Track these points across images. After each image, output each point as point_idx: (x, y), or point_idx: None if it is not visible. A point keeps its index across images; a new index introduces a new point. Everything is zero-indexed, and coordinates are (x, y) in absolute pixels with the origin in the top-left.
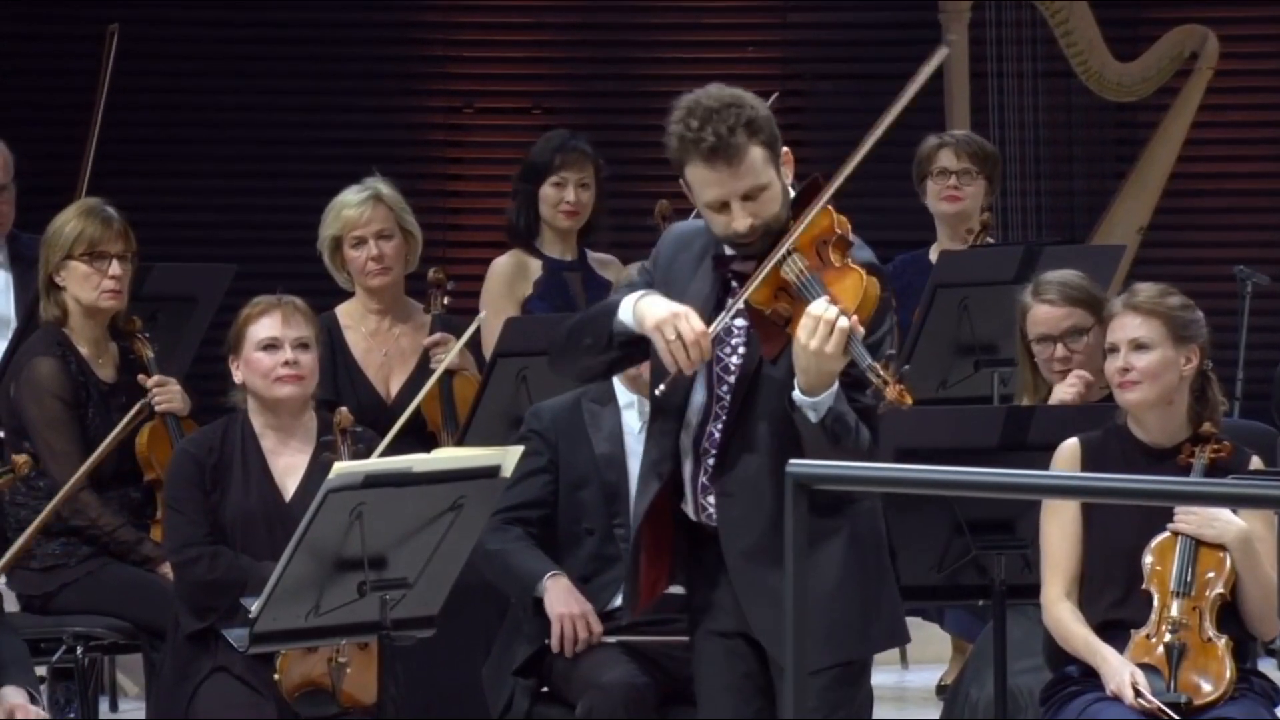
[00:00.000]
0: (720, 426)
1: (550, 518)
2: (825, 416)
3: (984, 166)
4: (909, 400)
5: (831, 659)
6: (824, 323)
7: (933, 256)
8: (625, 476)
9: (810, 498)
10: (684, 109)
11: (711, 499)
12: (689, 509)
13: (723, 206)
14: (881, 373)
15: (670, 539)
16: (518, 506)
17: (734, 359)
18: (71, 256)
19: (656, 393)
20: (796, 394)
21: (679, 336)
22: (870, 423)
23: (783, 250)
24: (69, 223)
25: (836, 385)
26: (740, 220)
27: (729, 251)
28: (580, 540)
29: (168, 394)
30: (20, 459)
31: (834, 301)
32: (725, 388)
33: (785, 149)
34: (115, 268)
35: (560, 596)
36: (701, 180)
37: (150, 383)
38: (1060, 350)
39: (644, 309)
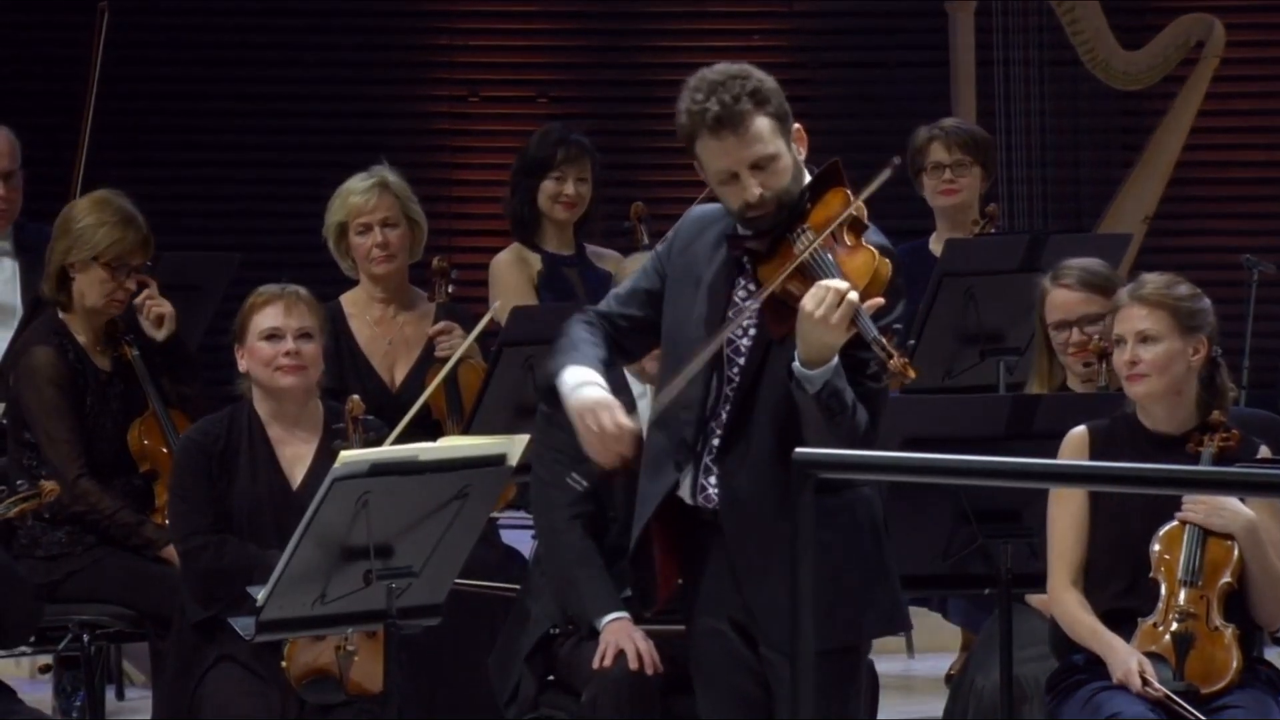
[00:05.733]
0: (728, 408)
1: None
2: (822, 390)
3: (977, 154)
4: (912, 373)
5: (822, 643)
6: (833, 292)
7: (932, 247)
8: None
9: (817, 484)
10: (690, 86)
11: (713, 479)
12: (685, 491)
13: (732, 178)
14: (886, 345)
15: (678, 531)
16: (580, 500)
17: (745, 340)
18: (99, 260)
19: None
20: (795, 365)
21: (601, 428)
22: (871, 407)
23: (801, 239)
24: (104, 225)
25: (836, 360)
26: (750, 189)
27: (742, 231)
28: (604, 529)
29: (159, 305)
30: (48, 485)
31: (845, 278)
32: (735, 369)
33: (797, 125)
34: (132, 282)
35: (623, 631)
36: (710, 152)
37: (142, 296)
38: (1076, 335)
39: (571, 395)
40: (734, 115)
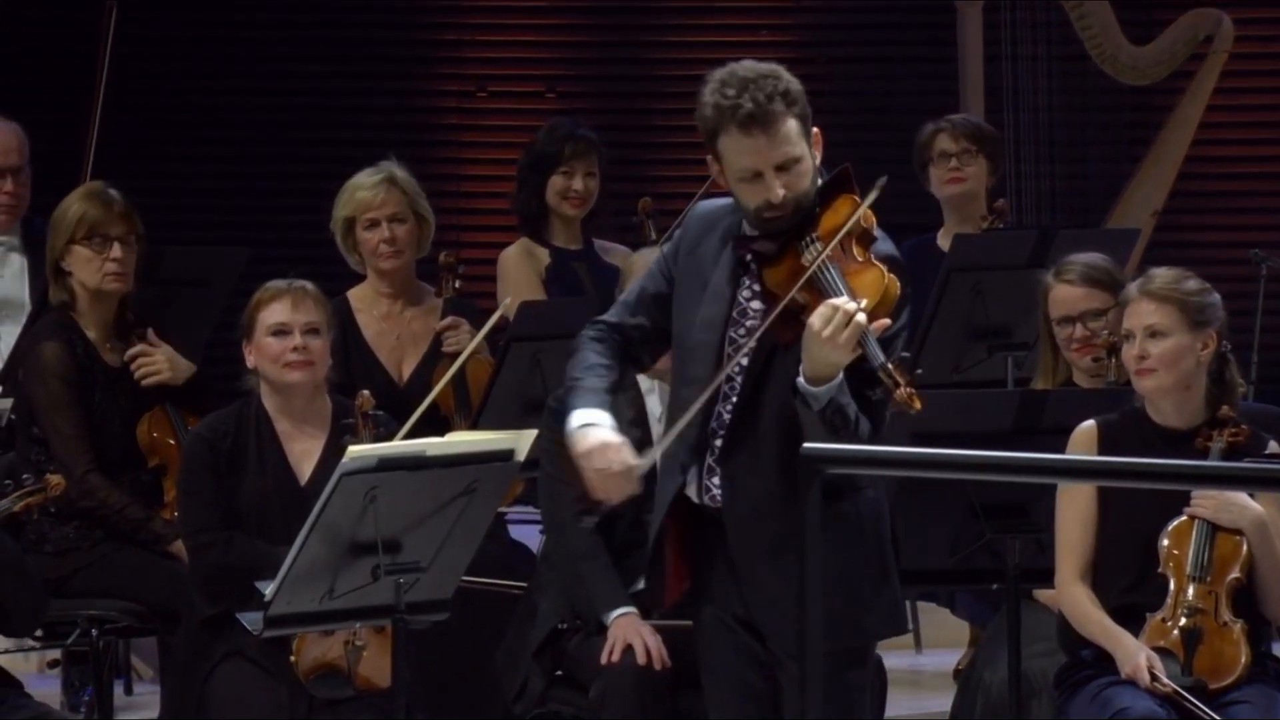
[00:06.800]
0: (730, 409)
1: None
2: (826, 407)
3: (983, 145)
4: (918, 405)
5: (826, 644)
6: (842, 314)
7: (940, 241)
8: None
9: (823, 481)
10: (718, 80)
11: (717, 480)
12: (692, 491)
13: (755, 176)
14: (893, 373)
15: (691, 530)
16: (587, 496)
17: (750, 343)
18: (74, 241)
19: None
20: (800, 380)
21: (607, 468)
22: (873, 416)
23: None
24: (71, 207)
25: (840, 377)
26: (774, 189)
27: (749, 231)
28: (612, 525)
29: (149, 366)
30: (53, 480)
31: (854, 296)
32: (738, 369)
33: (815, 130)
34: (117, 250)
35: (631, 626)
36: (736, 149)
37: (130, 353)
38: (1079, 330)
39: (576, 437)
40: (767, 115)
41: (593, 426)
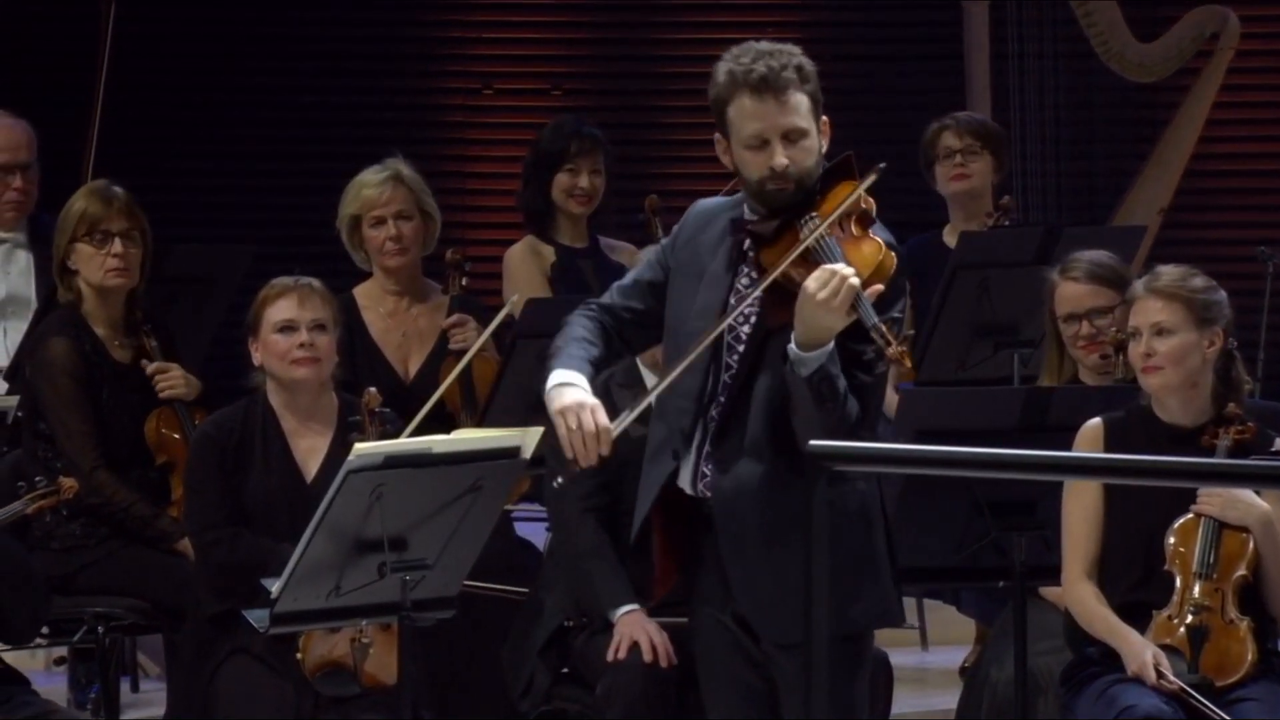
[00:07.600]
0: (726, 395)
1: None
2: (814, 374)
3: (987, 142)
4: (909, 362)
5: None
6: (837, 276)
7: (946, 238)
8: None
9: (830, 475)
10: (732, 54)
11: (712, 468)
12: (685, 481)
13: (762, 144)
14: (885, 333)
15: (680, 524)
16: (593, 494)
17: (745, 328)
18: (76, 239)
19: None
20: (791, 347)
21: (580, 427)
22: (863, 400)
23: (809, 223)
24: (73, 205)
25: (831, 346)
26: (778, 156)
27: (749, 216)
28: (617, 522)
29: (170, 380)
30: (66, 482)
31: (849, 265)
32: (735, 356)
33: (825, 119)
34: (118, 245)
35: (637, 623)
36: (745, 113)
37: (150, 369)
38: (1085, 328)
39: (553, 395)
40: (779, 80)
41: (569, 386)
